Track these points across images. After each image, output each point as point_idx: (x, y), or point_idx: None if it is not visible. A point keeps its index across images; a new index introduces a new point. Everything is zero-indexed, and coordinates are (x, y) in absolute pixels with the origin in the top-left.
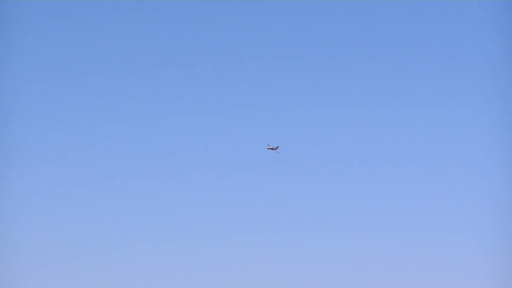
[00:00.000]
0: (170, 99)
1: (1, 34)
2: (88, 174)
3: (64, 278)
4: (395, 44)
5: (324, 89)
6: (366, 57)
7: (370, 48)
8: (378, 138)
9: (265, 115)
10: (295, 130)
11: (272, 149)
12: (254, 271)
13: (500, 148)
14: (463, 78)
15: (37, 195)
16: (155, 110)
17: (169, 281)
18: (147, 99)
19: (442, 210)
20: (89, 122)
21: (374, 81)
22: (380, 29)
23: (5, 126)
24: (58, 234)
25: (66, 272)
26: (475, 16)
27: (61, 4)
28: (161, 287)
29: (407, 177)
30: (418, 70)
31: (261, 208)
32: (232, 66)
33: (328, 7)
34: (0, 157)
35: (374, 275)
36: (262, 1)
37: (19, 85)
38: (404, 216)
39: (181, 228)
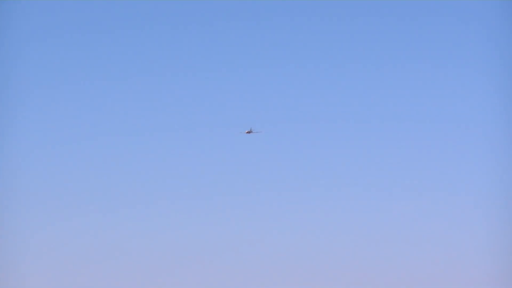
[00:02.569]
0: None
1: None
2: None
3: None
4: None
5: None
6: (365, 50)
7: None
8: (376, 136)
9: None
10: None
11: (249, 132)
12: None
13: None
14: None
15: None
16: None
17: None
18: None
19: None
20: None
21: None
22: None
23: None
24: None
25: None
26: (474, 12)
27: (59, 4)
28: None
29: (405, 176)
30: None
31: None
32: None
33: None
34: None
35: (372, 272)
36: None
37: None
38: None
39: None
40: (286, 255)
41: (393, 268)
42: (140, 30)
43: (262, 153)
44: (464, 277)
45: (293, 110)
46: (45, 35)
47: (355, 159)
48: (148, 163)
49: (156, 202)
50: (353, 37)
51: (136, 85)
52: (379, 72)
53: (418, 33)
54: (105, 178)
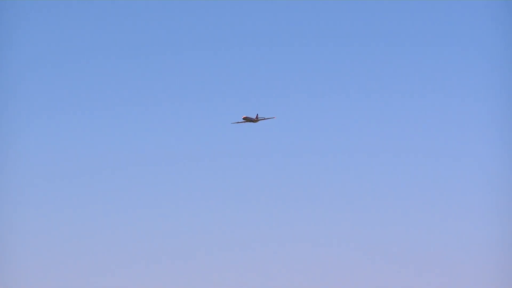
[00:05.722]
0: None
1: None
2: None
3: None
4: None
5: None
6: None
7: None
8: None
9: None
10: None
11: (254, 120)
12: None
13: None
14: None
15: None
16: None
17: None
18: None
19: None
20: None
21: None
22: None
23: None
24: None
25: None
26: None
27: (58, 4)
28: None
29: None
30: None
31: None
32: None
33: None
34: None
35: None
36: None
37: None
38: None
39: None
40: (288, 255)
41: (394, 267)
42: (139, 20)
43: (265, 146)
44: (464, 276)
45: (291, 105)
46: (44, 35)
47: (358, 159)
48: (148, 160)
49: (155, 199)
50: (355, 35)
51: (136, 79)
52: (382, 66)
53: (417, 32)
54: (104, 165)
